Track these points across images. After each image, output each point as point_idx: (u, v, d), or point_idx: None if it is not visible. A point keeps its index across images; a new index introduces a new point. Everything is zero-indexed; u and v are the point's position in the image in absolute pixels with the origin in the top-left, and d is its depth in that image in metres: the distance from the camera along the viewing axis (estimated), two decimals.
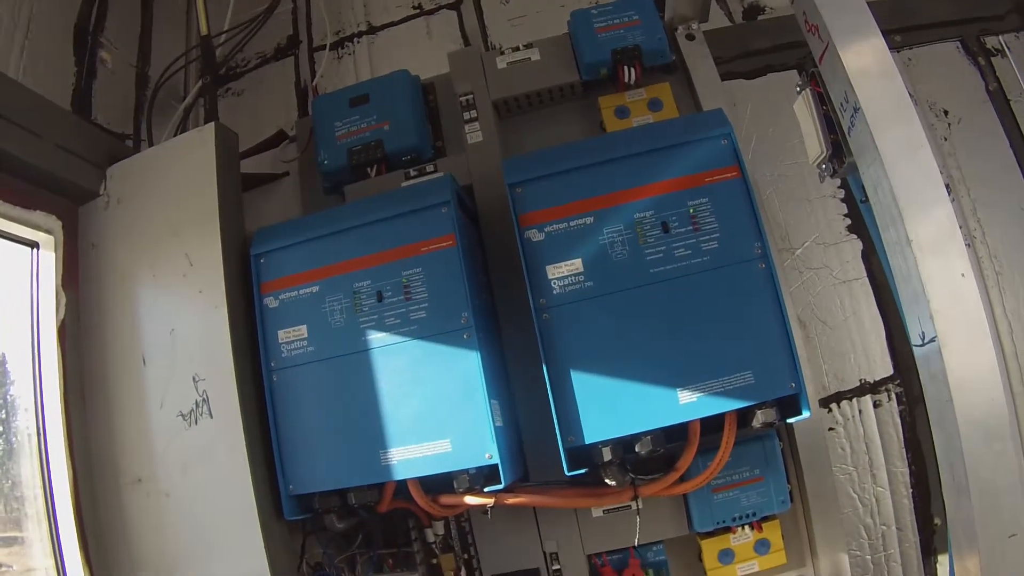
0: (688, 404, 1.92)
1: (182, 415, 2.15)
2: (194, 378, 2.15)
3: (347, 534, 2.37)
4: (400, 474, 2.00)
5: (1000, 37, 2.90)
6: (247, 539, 2.04)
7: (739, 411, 1.99)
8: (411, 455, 1.99)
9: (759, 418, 1.94)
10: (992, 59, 2.88)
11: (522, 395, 2.20)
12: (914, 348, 1.77)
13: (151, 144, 2.86)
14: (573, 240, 2.02)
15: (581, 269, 2.00)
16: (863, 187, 1.89)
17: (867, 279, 2.52)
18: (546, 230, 2.03)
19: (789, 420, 1.97)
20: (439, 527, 2.32)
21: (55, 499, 2.15)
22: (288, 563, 2.17)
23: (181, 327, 2.20)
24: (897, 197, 1.71)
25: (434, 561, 2.32)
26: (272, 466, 2.10)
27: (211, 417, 2.12)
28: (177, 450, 2.13)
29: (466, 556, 2.33)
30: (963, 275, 1.66)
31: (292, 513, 2.09)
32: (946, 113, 2.78)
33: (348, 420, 2.05)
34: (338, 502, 2.09)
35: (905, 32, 2.83)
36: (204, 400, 2.14)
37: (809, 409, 1.92)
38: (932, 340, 1.67)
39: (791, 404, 1.96)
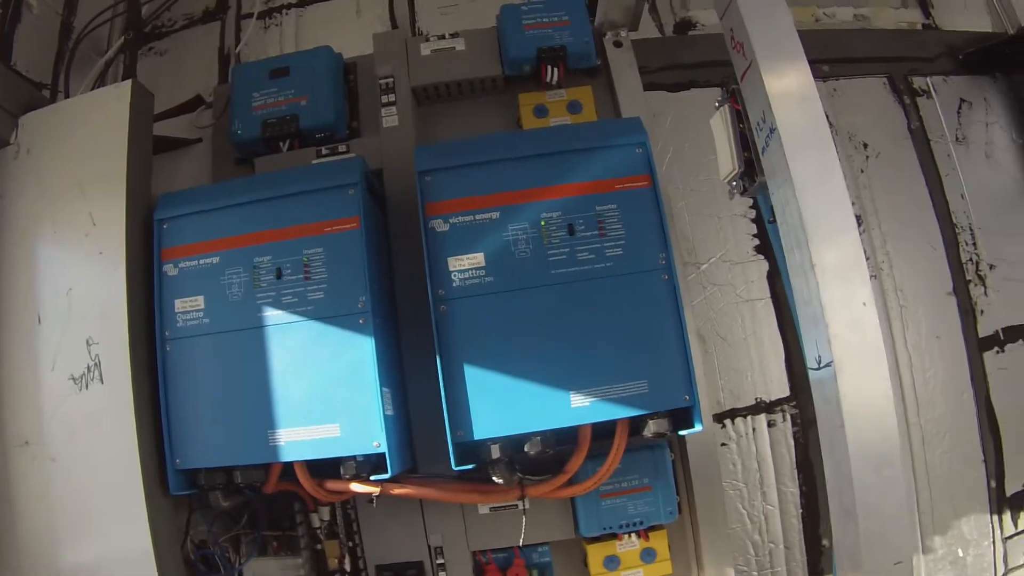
0: (580, 408, 1.92)
1: (73, 378, 2.08)
2: (88, 341, 2.08)
3: (233, 513, 2.32)
4: (287, 456, 1.97)
5: (928, 79, 2.96)
6: (131, 511, 1.99)
7: (631, 419, 1.99)
8: (299, 437, 1.96)
9: (651, 428, 1.95)
10: (917, 99, 2.94)
11: (416, 386, 2.19)
12: (809, 371, 1.78)
13: (68, 96, 2.77)
14: (477, 234, 2.01)
15: (483, 264, 1.99)
16: (772, 207, 1.90)
17: (770, 300, 2.56)
18: (451, 221, 2.01)
19: (681, 432, 1.98)
20: (325, 512, 2.29)
21: None
22: (172, 538, 2.12)
23: (79, 287, 2.13)
24: (804, 220, 1.71)
25: (318, 547, 2.30)
26: (160, 438, 2.05)
27: (102, 383, 2.06)
28: (66, 414, 2.07)
29: (351, 544, 2.31)
30: (864, 303, 1.68)
31: (178, 488, 2.05)
32: (865, 146, 2.82)
33: (239, 397, 2.01)
34: (224, 479, 2.05)
35: (834, 63, 2.87)
36: (96, 365, 2.07)
37: (702, 423, 1.94)
38: (828, 365, 1.68)
39: (684, 416, 1.97)
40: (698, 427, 1.94)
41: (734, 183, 2.03)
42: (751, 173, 1.98)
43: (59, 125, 2.31)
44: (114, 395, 2.03)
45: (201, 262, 2.11)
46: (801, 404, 2.51)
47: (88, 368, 2.07)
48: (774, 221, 1.90)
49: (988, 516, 2.62)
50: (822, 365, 1.72)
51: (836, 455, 1.71)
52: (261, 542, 2.34)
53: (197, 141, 2.72)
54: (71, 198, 2.19)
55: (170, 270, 2.12)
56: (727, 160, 2.02)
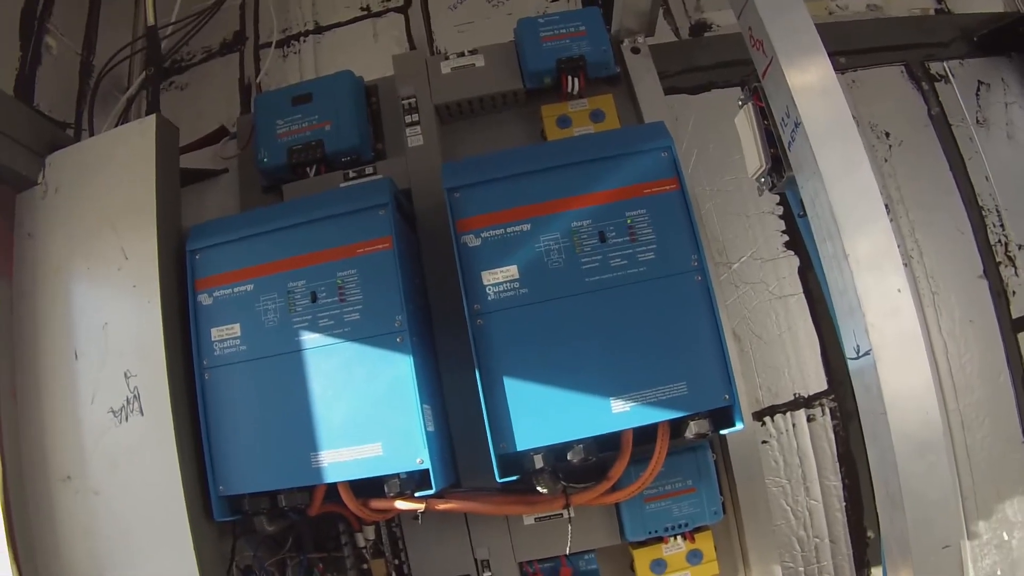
0: (621, 413, 1.92)
1: (113, 411, 2.10)
2: (126, 374, 2.10)
3: (277, 537, 2.33)
4: (330, 477, 1.98)
5: (945, 63, 2.95)
6: (176, 540, 2.00)
7: (672, 422, 1.99)
8: (342, 458, 1.97)
9: (692, 429, 1.94)
10: (935, 84, 2.93)
11: (455, 401, 2.19)
12: (849, 361, 1.78)
13: (92, 134, 2.81)
14: (509, 247, 2.01)
15: (517, 276, 1.99)
16: (801, 201, 1.90)
17: (803, 295, 2.55)
18: (483, 236, 2.02)
19: (722, 432, 1.98)
20: (370, 532, 2.30)
21: None
22: (217, 565, 2.14)
23: (114, 321, 2.15)
24: (835, 211, 1.71)
25: (364, 566, 2.30)
26: (202, 466, 2.06)
27: (142, 414, 2.08)
28: (107, 447, 2.08)
29: (397, 562, 2.31)
30: (899, 290, 1.67)
31: (222, 514, 2.05)
32: (887, 135, 2.81)
33: (279, 421, 2.02)
34: (268, 504, 2.05)
35: (850, 55, 2.87)
36: (135, 397, 2.09)
37: (742, 421, 1.94)
38: (867, 353, 1.67)
39: (724, 416, 1.97)
40: (739, 426, 1.94)
41: (762, 179, 2.03)
42: (779, 169, 1.98)
43: (85, 163, 2.33)
44: (154, 426, 2.05)
45: (235, 290, 2.12)
46: (840, 397, 2.50)
47: (127, 400, 2.09)
48: (804, 215, 1.90)
49: None
50: (861, 354, 1.72)
51: (879, 443, 1.70)
52: (307, 565, 2.35)
53: (224, 172, 2.74)
54: (102, 234, 2.22)
55: (205, 299, 2.14)
56: (754, 157, 2.02)
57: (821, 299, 2.50)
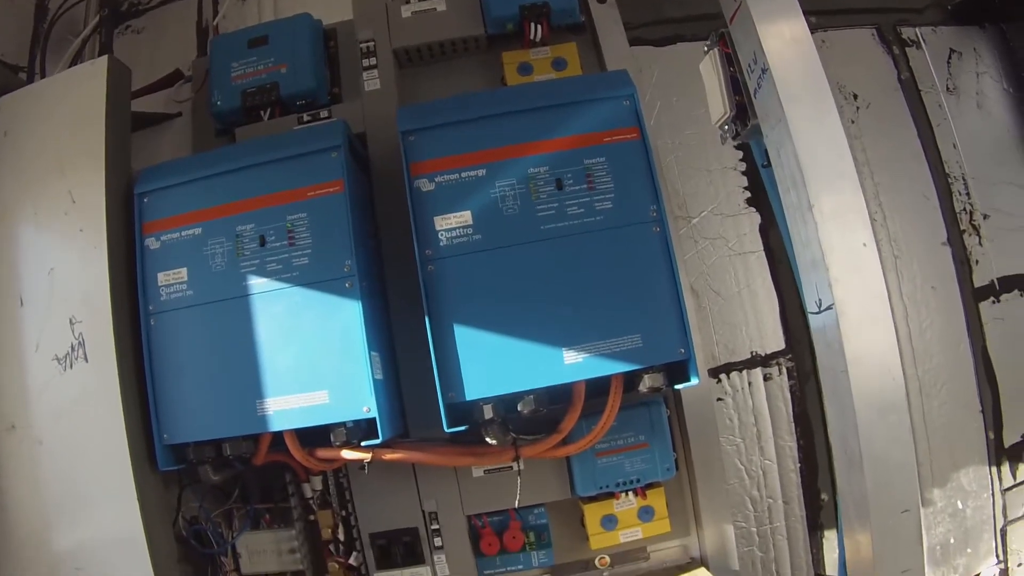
0: (573, 365, 1.88)
1: (57, 359, 2.05)
2: (71, 320, 2.05)
3: (223, 487, 2.31)
4: (276, 425, 1.93)
5: (917, 29, 2.93)
6: (120, 489, 1.95)
7: (626, 375, 1.96)
8: (287, 406, 1.92)
9: (646, 382, 1.91)
10: (907, 49, 2.90)
11: (404, 350, 2.15)
12: (809, 316, 1.76)
13: (44, 77, 2.73)
14: (464, 192, 1.96)
15: (470, 222, 1.95)
16: (766, 151, 1.88)
17: (763, 252, 2.53)
18: (436, 180, 1.97)
19: (677, 387, 1.96)
20: (317, 483, 2.27)
21: None
22: (163, 516, 2.09)
23: (60, 267, 2.10)
24: (801, 161, 1.69)
25: (311, 517, 2.28)
26: (147, 414, 2.01)
27: (86, 361, 2.03)
28: (51, 395, 2.04)
29: (344, 513, 2.28)
30: (864, 244, 1.66)
31: (166, 463, 2.01)
32: (855, 97, 2.79)
33: (225, 368, 1.97)
34: (213, 453, 2.01)
35: (821, 15, 2.83)
36: (80, 344, 2.04)
37: (698, 376, 1.91)
38: (829, 307, 1.66)
39: (679, 370, 1.94)
40: (694, 381, 1.91)
41: (726, 127, 2.00)
42: (743, 117, 1.96)
43: (36, 106, 2.27)
44: (99, 373, 2.00)
45: (183, 234, 2.06)
46: (797, 357, 2.49)
47: (72, 347, 2.04)
48: (768, 165, 1.88)
49: (987, 468, 2.61)
50: (823, 308, 1.70)
51: (839, 401, 1.69)
52: (253, 516, 2.32)
53: (177, 116, 2.68)
54: (50, 178, 2.16)
55: (152, 244, 2.08)
56: (718, 104, 1.99)
57: (781, 258, 2.48)
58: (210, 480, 2.09)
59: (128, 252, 2.10)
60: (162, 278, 2.06)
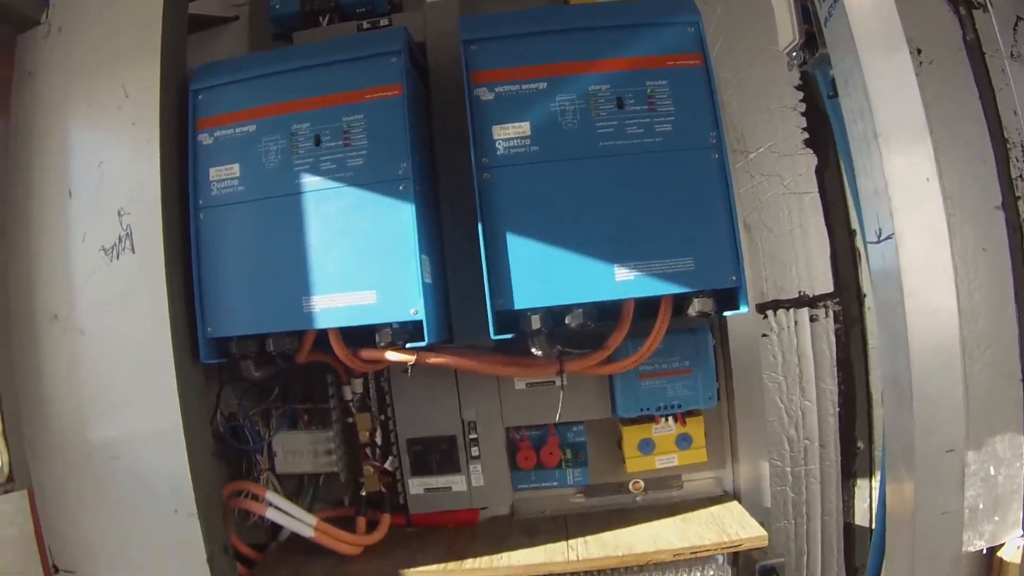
0: (624, 282, 1.87)
1: (104, 249, 2.04)
2: (119, 212, 2.04)
3: (264, 386, 2.32)
4: (321, 323, 1.93)
5: None
6: (161, 383, 1.95)
7: (675, 298, 1.96)
8: (334, 304, 1.91)
9: (695, 306, 1.90)
10: (973, 11, 2.82)
11: (454, 259, 2.14)
12: (868, 246, 1.73)
13: None
14: (523, 103, 1.94)
15: (528, 133, 1.92)
16: (832, 82, 1.84)
17: (818, 195, 2.48)
18: (496, 90, 1.94)
19: (726, 313, 1.94)
20: (357, 385, 2.28)
21: None
22: (201, 411, 2.09)
23: (111, 160, 2.08)
24: (869, 92, 1.66)
25: (350, 420, 2.29)
26: (192, 307, 2.01)
27: (133, 252, 2.01)
28: (96, 286, 2.03)
29: (383, 417, 2.30)
30: (927, 179, 1.63)
31: (208, 356, 2.01)
32: (919, 51, 2.72)
33: (273, 264, 1.97)
34: (256, 348, 2.02)
35: None
36: (128, 235, 2.03)
37: (747, 305, 1.89)
38: (889, 237, 1.63)
39: (729, 298, 1.92)
40: (743, 309, 1.90)
41: (793, 54, 1.96)
42: (811, 45, 1.92)
43: (91, 2, 2.23)
44: (145, 264, 1.99)
45: (237, 131, 2.05)
46: (844, 302, 2.45)
47: (119, 239, 2.03)
48: (834, 95, 1.85)
49: (1022, 438, 2.57)
50: (882, 239, 1.67)
51: (893, 335, 1.66)
52: (291, 415, 2.34)
53: (234, 19, 2.65)
54: (104, 73, 2.13)
55: (205, 139, 2.07)
56: (787, 31, 1.96)
57: (835, 201, 2.44)
58: (251, 376, 2.09)
59: (180, 147, 2.09)
60: (213, 173, 2.05)
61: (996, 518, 2.52)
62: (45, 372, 2.05)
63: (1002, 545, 2.48)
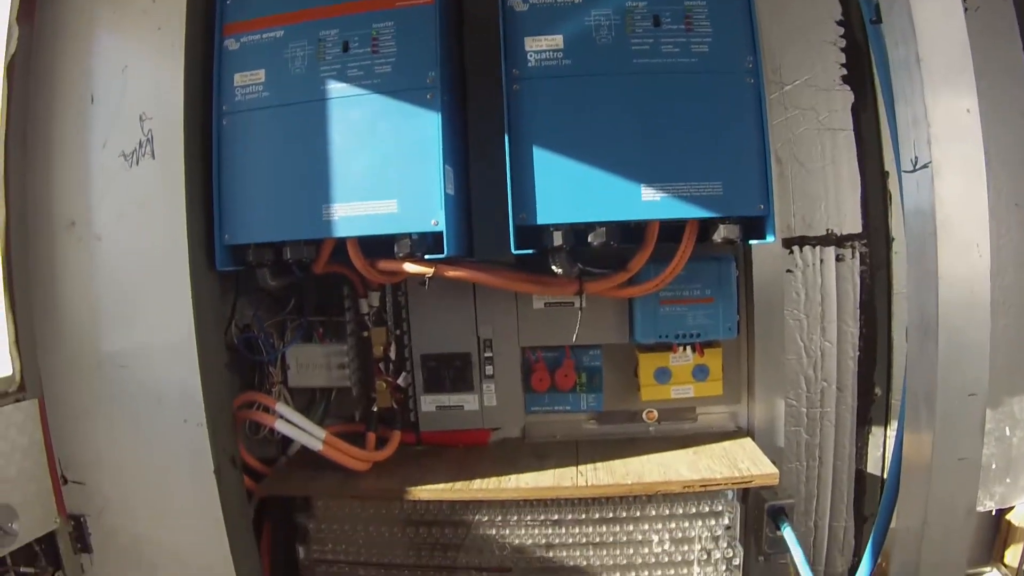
0: (650, 203, 1.83)
1: (124, 155, 2.01)
2: (141, 117, 2.01)
3: (279, 297, 2.30)
4: (340, 231, 1.90)
5: None
6: (175, 288, 1.93)
7: (701, 223, 1.93)
8: (354, 212, 1.88)
9: (721, 232, 1.86)
10: None
11: (478, 173, 2.12)
12: (902, 175, 1.68)
13: None
14: (557, 16, 1.88)
15: (561, 46, 1.87)
16: (876, 7, 1.79)
17: (852, 133, 2.42)
18: (531, 1, 1.89)
19: (752, 242, 1.93)
20: (374, 299, 2.27)
21: None
22: (215, 320, 2.08)
23: (134, 64, 2.04)
24: (914, 16, 1.60)
25: (365, 334, 2.28)
26: (210, 215, 1.99)
27: (153, 158, 1.99)
28: (115, 192, 2.00)
29: (398, 332, 2.28)
30: (968, 111, 1.58)
31: (224, 263, 1.99)
32: None
33: (294, 171, 1.93)
34: (273, 257, 2.00)
35: None
36: (148, 140, 2.00)
37: (774, 235, 1.86)
38: (925, 166, 1.58)
39: (756, 227, 1.89)
40: (770, 238, 1.86)
41: None
42: None
43: None
44: (165, 169, 1.96)
45: (264, 36, 2.00)
46: (872, 245, 2.41)
47: (140, 144, 2.00)
48: (877, 20, 1.79)
49: None
50: (917, 167, 1.62)
51: (923, 266, 1.61)
52: (306, 328, 2.32)
53: None
54: None
55: (231, 45, 2.03)
56: None
57: (870, 142, 2.39)
58: (267, 285, 2.07)
59: (205, 52, 2.05)
60: (238, 79, 2.01)
61: (1008, 480, 2.50)
62: (60, 280, 2.03)
63: (1011, 508, 2.45)
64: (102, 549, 2.08)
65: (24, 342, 1.98)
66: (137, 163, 1.99)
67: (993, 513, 2.53)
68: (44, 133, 2.08)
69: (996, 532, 2.58)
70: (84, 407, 2.02)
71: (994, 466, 2.49)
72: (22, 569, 1.91)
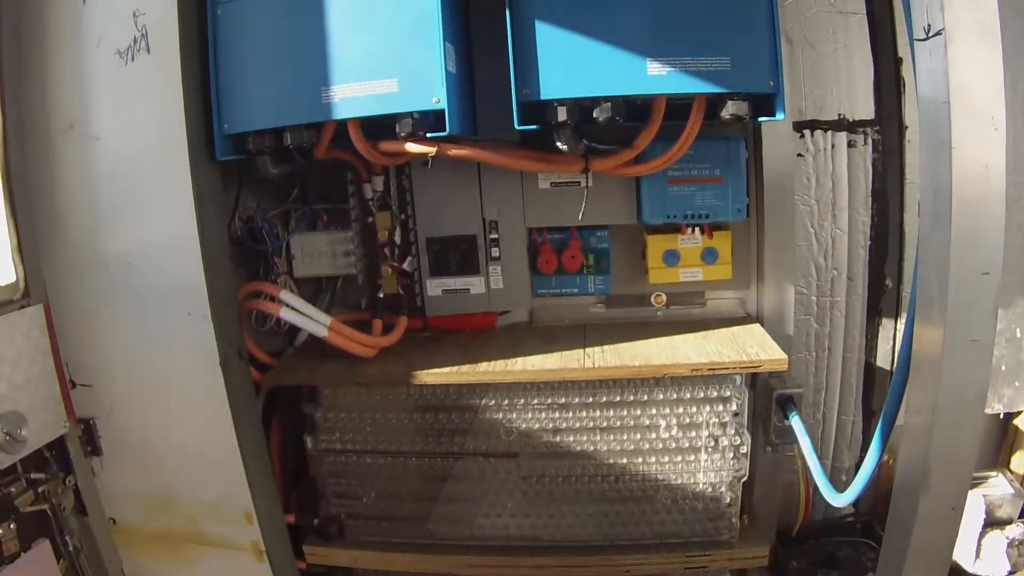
0: (656, 77, 1.78)
1: (119, 52, 1.97)
2: (134, 13, 1.96)
3: (282, 186, 2.29)
4: (340, 113, 1.85)
5: None
6: (176, 182, 1.91)
7: (708, 99, 1.87)
8: (354, 93, 1.84)
9: (729, 108, 1.81)
10: None
11: (481, 52, 2.06)
12: (915, 44, 1.63)
13: None
14: None
15: None
16: None
17: (866, 17, 2.35)
18: None
19: (760, 119, 1.86)
20: (378, 183, 2.24)
21: None
22: (217, 212, 2.05)
23: None
24: None
25: (369, 219, 2.26)
26: (208, 105, 1.95)
27: (148, 53, 1.94)
28: (111, 90, 1.97)
29: (403, 216, 2.27)
30: None
31: (224, 153, 1.96)
32: None
33: (292, 54, 1.88)
34: (273, 143, 1.96)
35: None
36: (143, 36, 1.95)
37: (784, 112, 1.81)
38: (938, 33, 1.52)
39: (765, 105, 1.84)
40: (779, 116, 1.81)
41: None
42: None
43: None
44: (161, 64, 1.91)
45: None
46: (885, 132, 2.36)
47: (135, 40, 1.96)
48: None
49: None
50: (930, 34, 1.56)
51: (935, 137, 1.56)
52: (311, 216, 2.30)
53: None
54: None
55: None
56: None
57: (883, 27, 2.32)
58: (269, 174, 2.04)
59: None
60: None
61: (1017, 383, 2.48)
62: (60, 183, 2.01)
63: (1020, 413, 2.44)
64: (112, 451, 2.11)
65: (27, 248, 1.98)
66: (132, 59, 1.95)
67: (1001, 416, 2.52)
68: (38, 36, 2.05)
69: (1003, 437, 2.58)
70: (89, 309, 2.02)
71: (1003, 368, 2.47)
72: (33, 475, 1.92)
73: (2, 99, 2.00)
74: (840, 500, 1.78)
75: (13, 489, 1.86)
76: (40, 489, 1.94)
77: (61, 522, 2.00)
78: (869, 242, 2.40)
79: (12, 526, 1.83)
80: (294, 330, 2.36)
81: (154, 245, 1.96)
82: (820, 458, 2.07)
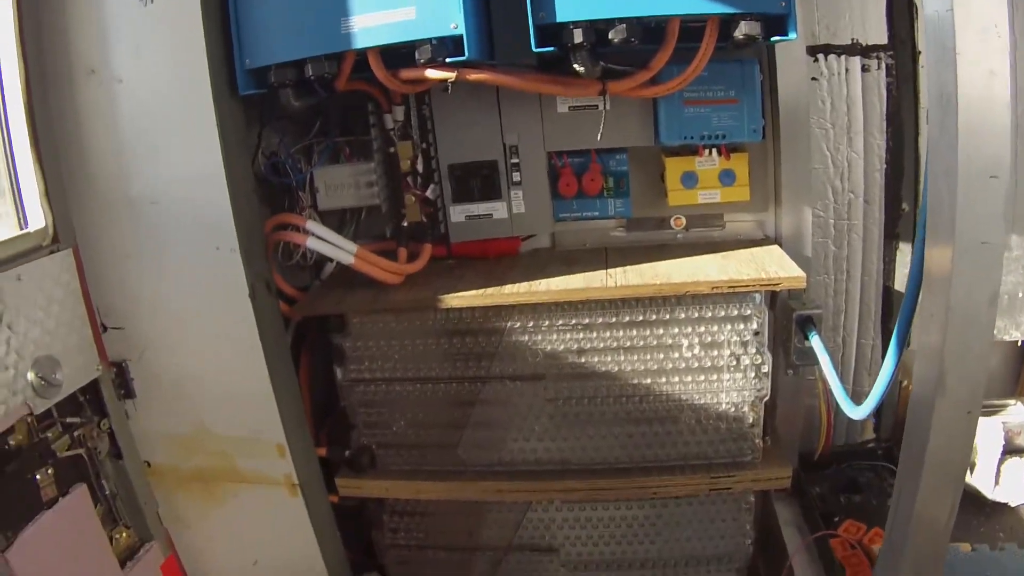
0: None
1: None
2: None
3: (304, 122, 2.31)
4: (360, 42, 1.88)
5: None
6: (200, 119, 1.94)
7: (722, 19, 1.88)
8: (373, 23, 1.86)
9: (742, 28, 1.83)
10: None
11: None
12: None
13: None
14: None
15: None
16: None
17: None
18: None
19: (773, 39, 1.88)
20: (399, 113, 2.27)
21: (6, 102, 2.00)
22: (241, 147, 2.10)
23: None
24: None
25: (391, 150, 2.29)
26: (228, 42, 1.98)
27: None
28: (131, 32, 1.98)
29: (424, 145, 2.29)
30: None
31: (247, 87, 1.99)
32: None
33: None
34: (294, 76, 1.99)
35: None
36: None
37: (796, 32, 1.84)
38: None
39: (778, 24, 1.86)
40: (792, 35, 1.84)
41: None
42: None
43: None
44: (180, 2, 1.94)
45: None
46: (898, 57, 2.36)
47: None
48: None
49: None
50: None
51: (941, 45, 1.56)
52: (333, 149, 2.33)
53: None
54: None
55: None
56: None
57: None
58: (291, 107, 2.06)
59: None
60: None
61: None
62: (85, 127, 2.03)
63: None
64: (145, 393, 2.15)
65: (54, 193, 2.00)
66: (152, 0, 1.97)
67: (1020, 344, 2.52)
68: None
69: (1022, 365, 2.59)
70: (118, 251, 2.05)
71: (1021, 295, 2.48)
72: (68, 420, 1.95)
73: (23, 47, 2.01)
74: (858, 413, 1.82)
75: (50, 434, 1.88)
76: (76, 433, 1.97)
77: (97, 466, 2.03)
78: (885, 166, 2.41)
79: (50, 471, 1.84)
80: (320, 264, 2.40)
81: (180, 182, 1.99)
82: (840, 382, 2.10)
